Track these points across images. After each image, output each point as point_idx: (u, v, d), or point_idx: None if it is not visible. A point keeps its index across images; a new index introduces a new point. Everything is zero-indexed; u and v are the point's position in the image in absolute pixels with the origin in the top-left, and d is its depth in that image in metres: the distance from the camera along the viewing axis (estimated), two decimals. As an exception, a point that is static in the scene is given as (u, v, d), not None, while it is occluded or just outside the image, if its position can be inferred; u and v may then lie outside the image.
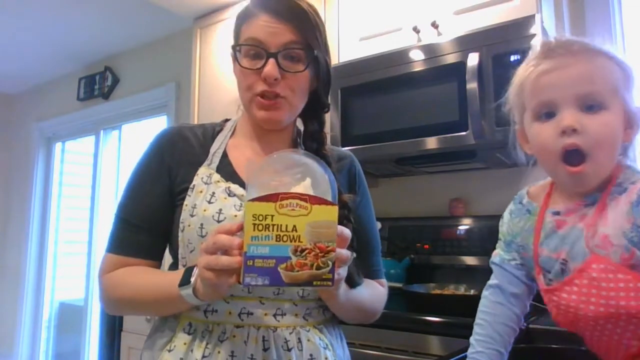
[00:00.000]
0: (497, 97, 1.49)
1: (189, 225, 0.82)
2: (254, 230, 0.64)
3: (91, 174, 3.62)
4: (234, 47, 0.89)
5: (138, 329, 2.17)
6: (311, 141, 0.92)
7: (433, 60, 1.66)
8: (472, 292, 1.66)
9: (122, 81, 3.49)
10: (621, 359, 0.75)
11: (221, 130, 0.96)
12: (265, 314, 0.81)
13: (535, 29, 1.46)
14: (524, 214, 0.85)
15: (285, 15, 0.84)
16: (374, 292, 0.95)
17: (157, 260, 0.89)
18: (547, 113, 0.75)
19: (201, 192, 0.84)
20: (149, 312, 0.92)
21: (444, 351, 1.25)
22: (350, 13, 1.96)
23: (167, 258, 0.92)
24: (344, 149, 1.12)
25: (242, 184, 0.86)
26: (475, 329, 0.85)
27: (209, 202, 0.83)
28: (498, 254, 0.89)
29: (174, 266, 0.89)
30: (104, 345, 2.47)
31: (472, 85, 1.52)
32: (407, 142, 1.69)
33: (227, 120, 1.00)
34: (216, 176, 0.86)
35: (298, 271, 0.65)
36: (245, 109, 0.91)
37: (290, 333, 0.81)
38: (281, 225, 0.65)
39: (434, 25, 1.72)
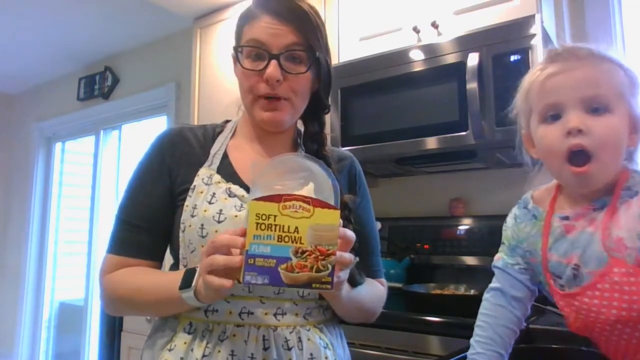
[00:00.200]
0: (497, 97, 1.52)
1: (190, 226, 0.82)
2: (257, 229, 0.65)
3: (91, 174, 3.62)
4: (235, 48, 0.89)
5: (138, 329, 2.17)
6: (311, 142, 0.92)
7: (433, 60, 1.66)
8: (472, 292, 1.66)
9: (122, 81, 3.49)
10: None
11: (222, 131, 0.96)
12: (266, 314, 0.81)
13: (535, 29, 1.46)
14: (530, 219, 0.85)
15: (287, 16, 0.84)
16: (374, 292, 0.95)
17: (157, 261, 0.90)
18: (553, 115, 0.76)
19: (202, 192, 0.84)
20: (150, 312, 0.92)
21: (444, 351, 1.26)
22: (350, 13, 1.96)
23: (168, 258, 0.92)
24: (344, 149, 1.12)
25: (243, 185, 0.86)
26: (476, 330, 0.85)
27: (210, 203, 0.83)
28: (501, 258, 0.89)
29: (174, 266, 0.90)
30: (104, 345, 2.47)
31: (472, 85, 1.52)
32: (407, 142, 1.69)
33: (227, 121, 1.00)
34: (217, 177, 0.86)
35: (298, 272, 0.65)
36: (246, 110, 0.91)
37: (291, 332, 0.82)
38: (283, 226, 0.65)
39: (434, 25, 1.73)
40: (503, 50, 1.51)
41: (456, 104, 1.59)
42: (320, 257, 0.65)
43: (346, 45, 1.95)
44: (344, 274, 0.72)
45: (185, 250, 0.84)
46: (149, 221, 0.87)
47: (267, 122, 0.87)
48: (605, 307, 0.72)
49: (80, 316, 3.50)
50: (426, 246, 1.97)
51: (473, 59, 1.53)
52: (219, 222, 0.81)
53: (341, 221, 0.68)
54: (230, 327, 0.80)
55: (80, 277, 3.57)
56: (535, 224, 0.83)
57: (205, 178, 0.86)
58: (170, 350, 0.80)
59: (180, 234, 0.84)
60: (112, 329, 2.35)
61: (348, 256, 0.69)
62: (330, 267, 0.66)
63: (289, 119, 0.89)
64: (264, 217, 0.65)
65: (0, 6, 2.78)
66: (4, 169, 4.24)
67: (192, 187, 0.86)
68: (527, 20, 1.49)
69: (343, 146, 1.79)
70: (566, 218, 0.79)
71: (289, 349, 0.80)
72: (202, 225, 0.81)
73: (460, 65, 1.57)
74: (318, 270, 0.65)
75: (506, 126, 1.47)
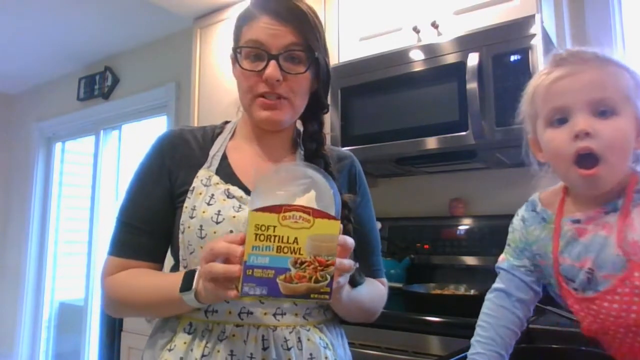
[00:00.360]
0: (497, 97, 1.52)
1: (189, 227, 0.83)
2: (256, 240, 0.65)
3: (91, 174, 3.62)
4: (234, 49, 0.89)
5: (138, 329, 2.17)
6: (311, 141, 0.92)
7: (433, 60, 1.66)
8: (472, 292, 1.66)
9: (122, 81, 3.49)
10: None
11: (221, 132, 0.96)
12: (265, 314, 0.81)
13: (535, 29, 1.46)
14: (539, 222, 0.84)
15: (286, 17, 0.84)
16: (374, 292, 0.95)
17: (158, 263, 0.90)
18: (560, 119, 0.76)
19: (200, 194, 0.85)
20: (151, 314, 0.92)
21: (444, 351, 1.26)
22: (350, 13, 1.96)
23: (168, 259, 0.92)
24: (344, 149, 1.12)
25: (241, 186, 0.86)
26: (478, 330, 0.85)
27: (208, 204, 0.83)
28: (506, 260, 0.89)
29: (175, 268, 0.90)
30: (104, 345, 2.47)
31: (472, 85, 1.52)
32: (407, 142, 1.69)
33: (227, 122, 1.00)
34: (215, 178, 0.87)
35: (297, 283, 0.65)
36: (245, 110, 0.91)
37: (290, 332, 0.82)
38: (283, 236, 0.65)
39: (434, 25, 1.73)
40: (503, 50, 1.51)
41: (456, 104, 1.59)
42: (319, 267, 0.65)
43: (346, 45, 1.95)
44: (343, 279, 0.72)
45: (185, 252, 0.84)
46: (150, 223, 0.88)
47: (266, 121, 0.87)
48: (625, 310, 0.72)
49: (80, 316, 3.50)
50: (426, 246, 1.97)
51: (473, 59, 1.53)
52: (217, 223, 0.81)
53: (341, 226, 0.68)
54: (230, 327, 0.80)
55: (80, 277, 3.57)
56: (545, 227, 0.83)
57: (204, 179, 0.86)
58: (170, 350, 0.81)
59: (180, 236, 0.84)
60: (112, 329, 2.35)
61: (348, 262, 0.69)
62: (329, 277, 0.66)
63: (288, 118, 0.89)
64: (263, 228, 0.65)
65: (0, 6, 2.79)
66: (4, 169, 4.24)
67: (191, 188, 0.86)
68: (527, 20, 1.49)
69: (343, 146, 1.79)
70: (577, 221, 0.78)
71: (288, 349, 0.80)
72: (200, 226, 0.81)
73: (460, 65, 1.57)
74: (317, 281, 0.65)
75: (506, 126, 1.47)
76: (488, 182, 1.95)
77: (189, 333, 0.81)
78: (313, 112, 0.94)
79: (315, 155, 0.91)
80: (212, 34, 2.43)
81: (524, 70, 1.46)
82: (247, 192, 0.85)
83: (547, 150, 0.79)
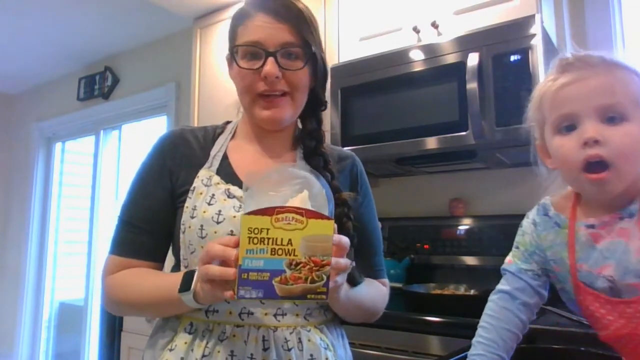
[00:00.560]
0: (497, 97, 1.52)
1: (190, 227, 0.83)
2: (249, 243, 0.64)
3: (91, 174, 3.62)
4: (231, 49, 0.88)
5: (138, 329, 2.17)
6: (310, 139, 0.92)
7: (433, 60, 1.66)
8: (472, 292, 1.66)
9: (122, 81, 3.49)
10: None
11: (222, 132, 0.96)
12: (266, 314, 0.81)
13: (535, 29, 1.46)
14: (553, 227, 0.83)
15: (282, 14, 0.84)
16: (375, 291, 0.95)
17: (159, 262, 0.90)
18: (568, 126, 0.74)
19: (201, 194, 0.85)
20: (151, 313, 0.93)
21: (444, 351, 1.26)
22: (350, 13, 1.96)
23: (169, 259, 0.92)
24: (345, 149, 1.12)
25: (242, 186, 0.86)
26: (479, 331, 0.85)
27: (209, 204, 0.83)
28: (514, 263, 0.87)
29: (176, 267, 0.90)
30: (104, 345, 2.47)
31: (472, 85, 1.52)
32: (407, 142, 1.69)
33: (228, 122, 1.00)
34: (216, 178, 0.87)
35: (292, 284, 0.65)
36: (245, 111, 0.91)
37: (291, 333, 0.82)
38: (276, 238, 0.65)
39: (434, 25, 1.73)
40: (503, 50, 1.51)
41: (456, 104, 1.59)
42: (314, 268, 0.65)
43: (346, 45, 1.95)
44: (340, 278, 0.72)
45: (186, 251, 0.84)
46: (151, 223, 0.88)
47: (267, 120, 0.87)
48: None
49: (80, 316, 3.50)
50: (426, 246, 1.97)
51: (473, 59, 1.53)
52: (217, 222, 0.81)
53: (336, 226, 0.68)
54: (230, 327, 0.80)
55: (80, 277, 3.57)
56: (559, 232, 0.82)
57: (205, 179, 0.86)
58: (170, 350, 0.81)
59: (181, 235, 0.85)
60: (112, 329, 2.35)
61: (344, 262, 0.69)
62: (325, 277, 0.66)
63: (289, 116, 0.89)
64: (256, 231, 0.64)
65: (0, 6, 2.78)
66: (4, 169, 4.24)
67: (192, 188, 0.86)
68: (527, 20, 1.49)
69: (343, 146, 1.79)
70: (592, 226, 0.77)
71: (289, 349, 0.80)
72: (201, 226, 0.81)
73: (460, 65, 1.57)
74: (313, 281, 0.65)
75: (506, 126, 1.47)
76: (488, 182, 1.95)
77: (189, 333, 0.81)
78: (311, 110, 0.94)
79: (314, 153, 0.91)
80: (212, 34, 2.43)
81: (524, 70, 1.46)
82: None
83: (556, 157, 0.78)
